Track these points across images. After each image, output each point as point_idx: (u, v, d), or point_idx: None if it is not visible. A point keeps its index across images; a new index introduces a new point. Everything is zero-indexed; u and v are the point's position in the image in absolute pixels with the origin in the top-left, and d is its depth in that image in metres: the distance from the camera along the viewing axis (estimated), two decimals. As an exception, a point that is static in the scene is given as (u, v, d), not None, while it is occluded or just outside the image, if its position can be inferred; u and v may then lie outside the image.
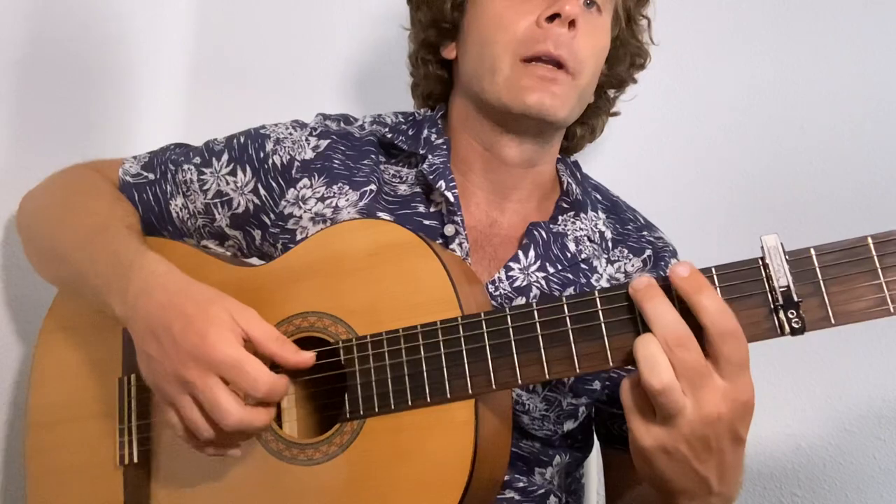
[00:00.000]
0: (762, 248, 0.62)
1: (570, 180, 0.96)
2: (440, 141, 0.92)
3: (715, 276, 0.64)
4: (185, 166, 0.91)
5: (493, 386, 0.68)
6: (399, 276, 0.74)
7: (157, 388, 0.72)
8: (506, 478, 0.81)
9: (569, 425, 0.88)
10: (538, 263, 0.88)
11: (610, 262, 0.94)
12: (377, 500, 0.70)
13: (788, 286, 0.61)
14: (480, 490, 0.70)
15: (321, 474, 0.72)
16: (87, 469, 0.82)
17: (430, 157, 0.90)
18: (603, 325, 0.66)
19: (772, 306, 0.62)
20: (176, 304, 0.71)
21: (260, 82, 1.33)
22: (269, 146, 0.90)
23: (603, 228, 0.95)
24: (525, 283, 0.87)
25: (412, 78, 1.04)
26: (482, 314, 0.69)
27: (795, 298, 0.61)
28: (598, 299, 0.66)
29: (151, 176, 0.92)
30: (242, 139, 0.91)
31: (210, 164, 0.91)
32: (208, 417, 0.69)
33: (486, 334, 0.69)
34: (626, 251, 0.96)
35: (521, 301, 0.86)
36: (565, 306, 0.67)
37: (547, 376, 0.67)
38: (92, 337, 0.85)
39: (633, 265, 0.95)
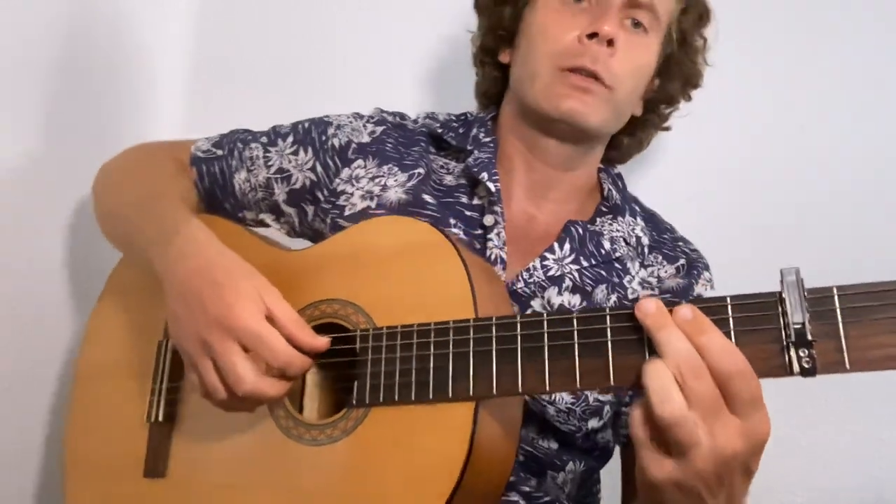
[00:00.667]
0: (781, 281, 0.59)
1: (610, 187, 1.00)
2: (488, 140, 0.98)
3: (729, 306, 0.61)
4: (253, 144, 0.99)
5: (495, 392, 0.68)
6: (422, 274, 0.76)
7: (180, 347, 0.77)
8: (512, 478, 0.80)
9: (593, 423, 0.88)
10: (573, 256, 0.91)
11: (644, 266, 0.96)
12: (371, 487, 0.71)
13: (803, 324, 0.58)
14: (473, 495, 0.69)
15: (322, 456, 0.74)
16: (119, 422, 0.88)
17: (476, 152, 0.95)
18: (609, 343, 0.64)
19: (784, 343, 0.59)
20: (209, 271, 0.76)
21: (260, 82, 1.36)
22: (331, 130, 0.97)
23: (640, 234, 0.98)
24: (559, 274, 0.90)
25: (476, 76, 1.10)
26: (493, 318, 0.70)
27: (809, 337, 0.57)
28: (608, 316, 0.65)
29: (220, 152, 1.01)
30: (307, 124, 1.00)
31: (276, 144, 0.98)
32: (224, 382, 0.73)
33: (494, 338, 0.69)
34: (660, 257, 0.98)
35: (553, 290, 0.89)
36: (575, 319, 0.66)
37: (547, 388, 0.66)
38: (143, 301, 0.91)
39: (666, 271, 0.97)
